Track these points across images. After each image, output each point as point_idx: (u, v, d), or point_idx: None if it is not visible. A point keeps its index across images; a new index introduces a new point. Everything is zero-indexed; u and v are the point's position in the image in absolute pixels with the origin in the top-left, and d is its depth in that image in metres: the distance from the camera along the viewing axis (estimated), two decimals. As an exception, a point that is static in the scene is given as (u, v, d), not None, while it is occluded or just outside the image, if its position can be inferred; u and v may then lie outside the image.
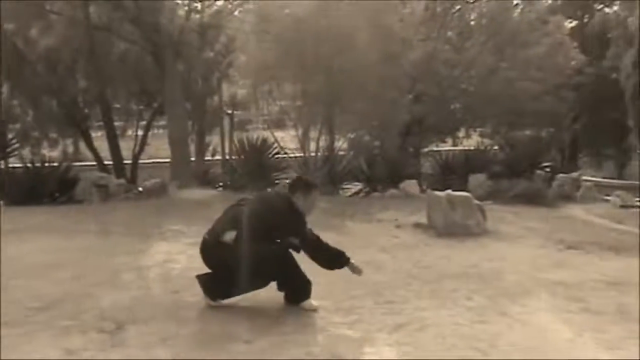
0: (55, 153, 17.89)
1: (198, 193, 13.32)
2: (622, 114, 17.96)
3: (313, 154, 15.32)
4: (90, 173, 13.59)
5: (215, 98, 20.39)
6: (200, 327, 4.69)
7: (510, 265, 6.94)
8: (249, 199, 5.34)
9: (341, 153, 16.28)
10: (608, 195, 14.45)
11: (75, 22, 14.88)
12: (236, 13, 19.16)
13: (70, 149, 19.08)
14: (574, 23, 23.62)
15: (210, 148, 21.71)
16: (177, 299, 5.38)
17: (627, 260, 7.54)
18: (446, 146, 20.96)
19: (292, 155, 16.14)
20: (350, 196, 14.55)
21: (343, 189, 15.00)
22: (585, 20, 23.95)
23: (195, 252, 7.31)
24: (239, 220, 4.97)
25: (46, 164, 13.70)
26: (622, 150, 24.19)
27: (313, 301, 5.08)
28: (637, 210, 12.93)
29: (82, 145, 18.68)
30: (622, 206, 12.92)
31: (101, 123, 17.66)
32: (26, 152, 17.03)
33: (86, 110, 17.56)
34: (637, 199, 14.12)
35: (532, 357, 4.24)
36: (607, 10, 24.15)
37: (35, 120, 16.97)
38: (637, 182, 19.49)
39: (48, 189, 12.53)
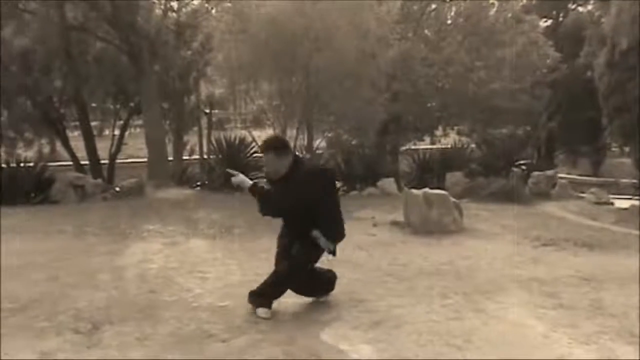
0: (31, 153, 17.70)
1: (175, 192, 13.28)
2: (597, 112, 18.17)
3: (291, 153, 15.29)
4: (67, 173, 13.47)
5: (193, 97, 20.32)
6: (177, 326, 4.68)
7: (486, 262, 6.99)
8: None
9: (319, 152, 16.31)
10: (583, 192, 14.62)
11: (50, 21, 14.73)
12: (213, 12, 19.11)
13: (46, 149, 18.91)
14: (549, 22, 23.91)
15: (188, 147, 21.64)
16: (153, 299, 5.36)
17: (600, 256, 7.65)
18: (424, 144, 21.10)
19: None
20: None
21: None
22: (560, 19, 24.24)
23: (172, 251, 7.34)
24: None
25: (21, 164, 13.54)
26: (597, 148, 24.52)
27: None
28: (611, 207, 13.11)
29: (59, 145, 18.52)
30: (597, 203, 13.08)
31: (77, 123, 17.52)
32: (1, 152, 16.83)
33: (62, 110, 17.40)
34: (611, 195, 14.32)
35: (507, 352, 4.28)
36: (581, 9, 24.48)
37: (10, 121, 16.76)
38: (612, 179, 19.77)
39: (23, 189, 12.39)
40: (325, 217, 5.00)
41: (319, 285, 5.26)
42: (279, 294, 4.97)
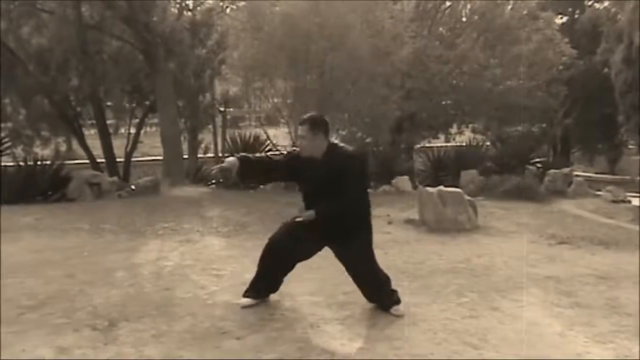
0: (48, 151, 17.80)
1: (190, 190, 13.34)
2: (614, 109, 18.02)
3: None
4: (83, 171, 13.55)
5: (208, 95, 20.37)
6: (192, 323, 4.70)
7: (501, 260, 6.97)
8: None
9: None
10: (599, 190, 14.52)
11: (67, 20, 14.82)
12: (228, 11, 19.17)
13: (63, 148, 19.01)
14: (565, 19, 23.73)
15: (203, 145, 21.70)
16: (169, 296, 5.40)
17: (616, 254, 7.61)
18: (438, 142, 21.04)
19: (284, 152, 16.12)
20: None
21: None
22: (576, 16, 24.05)
23: (187, 249, 7.38)
24: None
25: (38, 163, 13.64)
26: (614, 145, 24.31)
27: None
28: (628, 205, 13.02)
29: (75, 144, 18.64)
30: (613, 201, 12.99)
31: (94, 121, 17.63)
32: (18, 150, 16.96)
33: (78, 109, 17.50)
34: (628, 193, 14.20)
35: (523, 351, 4.27)
36: (597, 5, 24.26)
37: (28, 119, 16.89)
38: (628, 177, 19.61)
39: (40, 187, 12.49)
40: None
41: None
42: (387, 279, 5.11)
